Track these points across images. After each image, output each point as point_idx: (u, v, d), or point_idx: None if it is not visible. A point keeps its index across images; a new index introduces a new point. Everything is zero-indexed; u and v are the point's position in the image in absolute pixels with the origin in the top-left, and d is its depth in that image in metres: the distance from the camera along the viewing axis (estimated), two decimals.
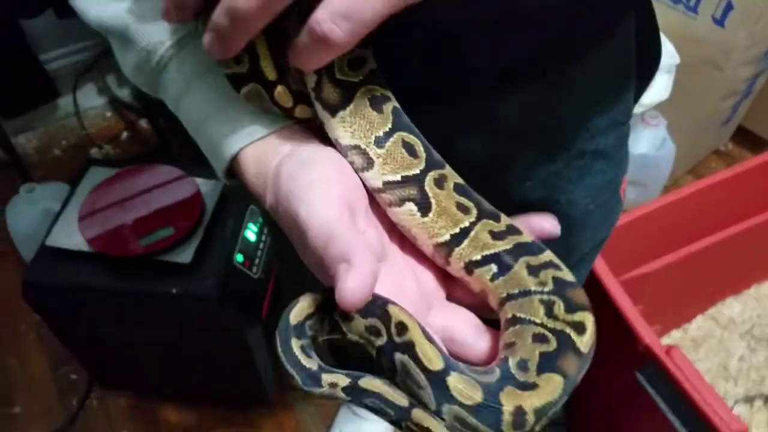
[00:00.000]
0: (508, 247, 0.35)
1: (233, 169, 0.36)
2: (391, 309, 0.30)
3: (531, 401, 0.30)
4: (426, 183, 0.34)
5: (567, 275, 0.35)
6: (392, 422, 0.31)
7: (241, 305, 1.01)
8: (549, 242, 0.61)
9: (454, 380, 0.29)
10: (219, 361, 1.13)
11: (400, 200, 0.34)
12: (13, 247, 1.45)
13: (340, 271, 0.28)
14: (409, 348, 0.29)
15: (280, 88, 0.33)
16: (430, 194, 0.34)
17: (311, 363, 0.31)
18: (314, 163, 0.32)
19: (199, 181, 1.06)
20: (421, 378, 0.29)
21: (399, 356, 0.30)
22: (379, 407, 0.31)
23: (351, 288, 0.27)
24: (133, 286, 0.98)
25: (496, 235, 0.35)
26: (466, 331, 0.35)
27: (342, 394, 0.31)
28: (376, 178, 0.34)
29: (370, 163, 0.33)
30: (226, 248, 1.01)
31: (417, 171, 0.34)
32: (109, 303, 1.00)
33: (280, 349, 0.31)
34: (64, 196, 1.34)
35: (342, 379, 0.31)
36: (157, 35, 0.35)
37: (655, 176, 1.41)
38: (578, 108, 0.50)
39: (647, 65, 0.57)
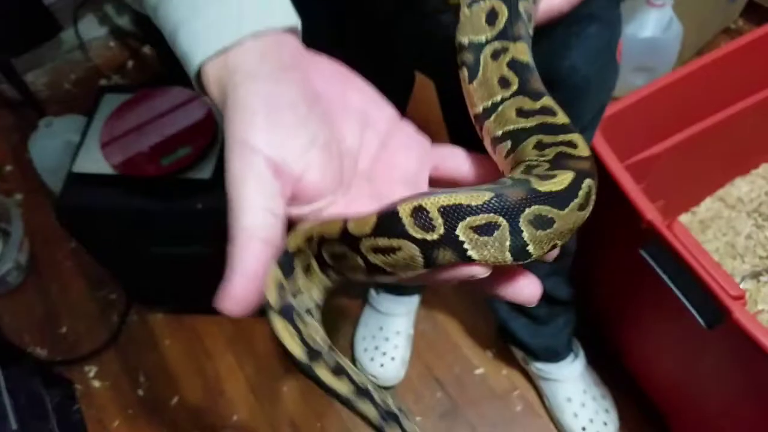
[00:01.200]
0: (529, 125, 0.32)
1: (203, 86, 0.33)
2: None
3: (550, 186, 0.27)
4: (483, 51, 0.33)
5: (576, 152, 0.31)
6: None
7: None
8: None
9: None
10: None
11: (460, 63, 0.35)
12: (41, 183, 1.50)
13: (225, 275, 0.29)
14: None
15: None
16: (482, 63, 0.33)
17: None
18: (245, 110, 0.30)
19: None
20: None
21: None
22: None
23: (228, 300, 0.29)
24: (159, 205, 1.02)
25: (523, 113, 0.33)
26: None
27: None
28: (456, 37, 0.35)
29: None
30: None
31: (483, 38, 0.34)
32: (138, 222, 1.05)
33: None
34: (82, 127, 1.38)
35: None
36: None
37: (663, 59, 1.40)
38: None
39: None
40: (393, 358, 1.22)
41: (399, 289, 1.24)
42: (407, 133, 0.35)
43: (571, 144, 0.30)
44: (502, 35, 0.33)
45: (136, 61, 1.79)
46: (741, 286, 1.19)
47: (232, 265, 0.29)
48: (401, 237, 0.26)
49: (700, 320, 0.80)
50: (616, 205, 0.88)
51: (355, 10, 0.60)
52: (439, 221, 0.25)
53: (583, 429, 1.11)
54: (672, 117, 1.03)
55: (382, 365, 1.22)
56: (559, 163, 0.29)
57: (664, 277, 0.82)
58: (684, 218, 1.27)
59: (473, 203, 0.25)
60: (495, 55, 0.33)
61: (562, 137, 0.31)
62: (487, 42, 0.33)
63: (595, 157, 0.90)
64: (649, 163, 1.04)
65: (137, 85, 1.69)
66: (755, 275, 1.19)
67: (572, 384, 1.14)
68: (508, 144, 0.33)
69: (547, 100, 0.33)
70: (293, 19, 0.33)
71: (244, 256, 0.29)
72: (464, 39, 0.34)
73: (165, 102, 1.09)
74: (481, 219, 0.25)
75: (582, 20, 0.57)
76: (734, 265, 1.20)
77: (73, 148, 1.35)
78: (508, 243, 0.26)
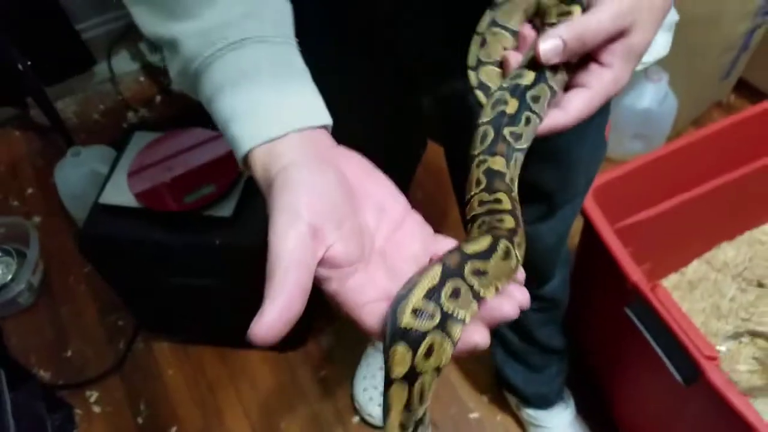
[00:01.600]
0: (481, 211, 0.41)
1: (248, 168, 0.40)
2: None
3: None
4: (473, 161, 0.44)
5: (503, 225, 0.39)
6: None
7: None
8: (546, 175, 0.73)
9: None
10: (256, 307, 1.25)
11: None
12: (61, 207, 1.58)
13: (262, 307, 0.34)
14: None
15: None
16: (470, 169, 0.44)
17: None
18: (292, 187, 0.36)
19: None
20: None
21: None
22: None
23: (260, 326, 0.34)
24: (179, 239, 1.10)
25: (481, 203, 0.41)
26: None
27: None
28: None
29: None
30: (262, 203, 1.12)
31: (475, 152, 0.44)
32: (158, 254, 1.12)
33: None
34: (108, 158, 1.47)
35: None
36: (196, 48, 0.41)
37: (659, 128, 1.49)
38: None
39: None
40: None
41: None
42: (415, 221, 0.41)
43: (502, 221, 0.39)
44: (486, 151, 0.43)
45: (164, 96, 1.89)
46: (723, 346, 1.25)
47: (268, 297, 0.34)
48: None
49: (677, 377, 0.86)
50: (605, 265, 0.94)
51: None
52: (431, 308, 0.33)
53: None
54: (662, 186, 1.11)
55: (380, 405, 1.27)
56: (485, 232, 0.37)
57: (646, 334, 0.89)
58: (673, 277, 1.34)
59: (433, 283, 0.33)
60: (478, 165, 0.43)
61: (498, 216, 0.39)
62: (476, 156, 0.43)
63: (587, 220, 0.98)
64: (638, 227, 1.11)
65: (163, 121, 1.80)
66: (737, 336, 1.25)
67: None
68: (470, 225, 0.41)
69: (500, 195, 0.41)
70: (327, 119, 0.41)
71: (280, 290, 0.34)
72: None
73: (191, 141, 1.17)
74: (447, 288, 0.33)
75: None
76: (718, 326, 1.26)
77: (98, 178, 1.43)
78: (470, 295, 0.34)
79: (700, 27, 1.36)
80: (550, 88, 0.44)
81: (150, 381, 1.39)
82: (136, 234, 1.10)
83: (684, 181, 1.14)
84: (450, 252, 0.35)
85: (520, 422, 1.27)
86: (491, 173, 0.42)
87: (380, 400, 1.29)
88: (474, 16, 0.51)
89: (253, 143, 0.38)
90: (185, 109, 1.80)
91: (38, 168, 1.79)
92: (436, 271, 0.33)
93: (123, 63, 1.94)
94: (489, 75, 0.48)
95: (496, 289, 0.36)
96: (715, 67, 1.49)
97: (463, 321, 0.33)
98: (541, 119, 0.44)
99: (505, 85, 0.44)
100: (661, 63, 1.38)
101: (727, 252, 1.35)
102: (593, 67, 0.43)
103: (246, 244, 1.08)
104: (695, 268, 1.34)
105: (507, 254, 0.36)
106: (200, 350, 1.41)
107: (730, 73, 1.55)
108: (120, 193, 1.12)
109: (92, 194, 1.42)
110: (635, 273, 0.89)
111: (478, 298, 0.34)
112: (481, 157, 0.43)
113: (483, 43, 0.49)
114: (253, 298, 1.24)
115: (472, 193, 0.42)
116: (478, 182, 0.42)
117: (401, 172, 0.87)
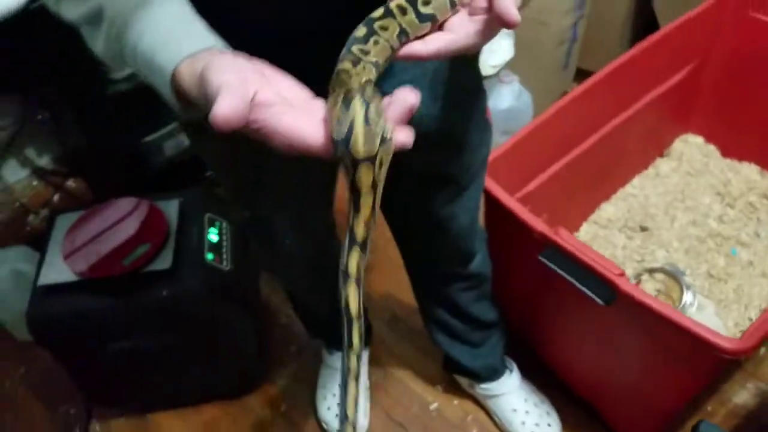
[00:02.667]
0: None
1: (177, 88, 0.48)
2: None
3: None
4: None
5: None
6: None
7: (220, 294, 1.19)
8: (448, 161, 0.87)
9: None
10: (211, 356, 1.30)
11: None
12: None
13: (216, 99, 0.41)
14: None
15: None
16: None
17: None
18: (218, 63, 0.44)
19: (158, 203, 1.23)
20: None
21: None
22: None
23: (221, 108, 0.40)
24: (126, 300, 1.14)
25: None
26: None
27: None
28: None
29: None
30: (197, 251, 1.19)
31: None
32: (109, 319, 1.15)
33: None
34: (25, 256, 1.47)
35: None
36: (118, 7, 0.51)
37: (521, 122, 1.71)
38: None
39: None
40: (355, 411, 1.34)
41: None
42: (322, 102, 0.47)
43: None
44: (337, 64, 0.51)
45: (61, 193, 1.90)
46: None
47: (219, 94, 0.41)
48: None
49: (598, 300, 1.00)
50: (512, 228, 1.09)
51: None
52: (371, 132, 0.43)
53: None
54: (540, 159, 1.29)
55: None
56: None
57: (561, 272, 1.03)
58: None
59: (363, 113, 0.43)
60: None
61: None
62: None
63: (487, 194, 1.12)
64: (528, 198, 1.28)
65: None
66: (637, 276, 1.43)
67: (514, 396, 1.31)
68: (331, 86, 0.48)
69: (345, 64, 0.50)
70: (219, 43, 0.50)
71: (226, 89, 0.41)
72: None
73: (116, 212, 1.22)
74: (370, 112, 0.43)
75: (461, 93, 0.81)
76: None
77: (19, 277, 1.43)
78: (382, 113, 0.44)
79: (533, 27, 1.61)
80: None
81: None
82: (82, 305, 1.13)
83: (559, 151, 1.33)
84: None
85: (475, 400, 1.37)
86: (338, 71, 0.49)
87: None
88: None
89: (177, 60, 0.47)
90: (87, 201, 1.84)
91: None
92: (357, 102, 0.42)
93: (13, 171, 1.93)
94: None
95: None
96: (555, 60, 1.75)
97: (390, 131, 0.43)
98: (392, 46, 0.52)
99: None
100: (510, 65, 1.61)
101: (608, 210, 1.56)
102: (462, 15, 0.51)
103: (191, 289, 1.13)
104: (586, 229, 1.54)
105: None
106: (159, 416, 1.42)
107: (568, 63, 1.81)
108: (58, 272, 1.14)
109: (17, 294, 1.42)
110: (539, 224, 1.05)
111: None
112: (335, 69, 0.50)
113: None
114: (204, 348, 1.31)
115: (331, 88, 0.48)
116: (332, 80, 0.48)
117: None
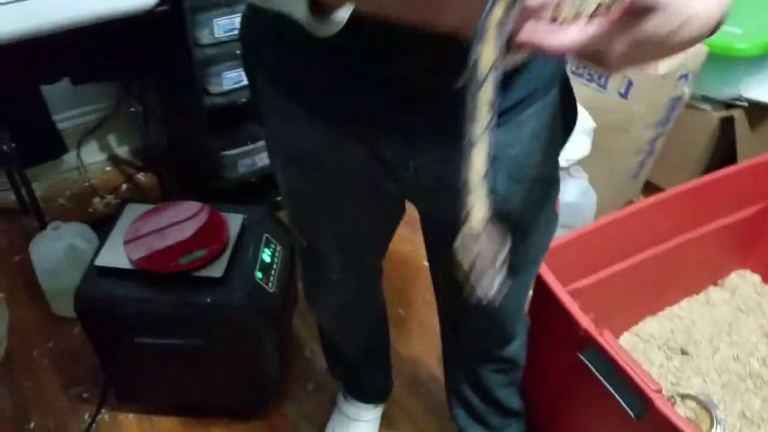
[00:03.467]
0: None
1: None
2: None
3: None
4: None
5: None
6: None
7: (261, 313, 1.22)
8: (511, 245, 0.89)
9: None
10: (231, 370, 1.31)
11: None
12: (25, 284, 1.60)
13: None
14: None
15: None
16: None
17: None
18: None
19: (225, 214, 1.28)
20: None
21: None
22: None
23: None
24: (171, 298, 1.17)
25: None
26: None
27: None
28: None
29: None
30: (249, 267, 1.23)
31: None
32: (150, 313, 1.18)
33: None
34: (84, 234, 1.54)
35: None
36: None
37: (581, 220, 1.72)
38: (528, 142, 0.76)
39: (569, 122, 0.85)
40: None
41: (366, 396, 1.38)
42: None
43: None
44: None
45: (130, 185, 1.98)
46: None
47: None
48: None
49: (629, 411, 0.99)
50: (557, 319, 1.09)
51: None
52: None
53: None
54: (594, 259, 1.30)
55: None
56: None
57: (598, 374, 1.03)
58: None
59: None
60: None
61: None
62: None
63: (539, 279, 1.13)
64: (577, 294, 1.28)
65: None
66: (669, 399, 1.40)
67: None
68: None
69: None
70: None
71: None
72: None
73: (183, 212, 1.27)
74: None
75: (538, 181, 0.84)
76: None
77: (75, 253, 1.49)
78: None
79: (614, 132, 1.64)
80: None
81: None
82: (130, 293, 1.17)
83: (616, 256, 1.34)
84: None
85: None
86: None
87: None
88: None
89: None
90: (152, 197, 1.92)
91: (1, 248, 1.81)
92: None
93: (91, 153, 2.03)
94: None
95: None
96: (627, 168, 1.77)
97: None
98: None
99: None
100: (582, 162, 1.64)
101: (652, 325, 1.54)
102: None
103: (235, 302, 1.16)
104: (626, 338, 1.52)
105: None
106: (164, 422, 1.43)
107: (639, 174, 1.83)
108: (114, 256, 1.19)
109: (68, 268, 1.48)
110: (585, 321, 1.05)
111: None
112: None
113: None
114: (228, 363, 1.34)
115: None
116: None
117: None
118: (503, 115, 0.69)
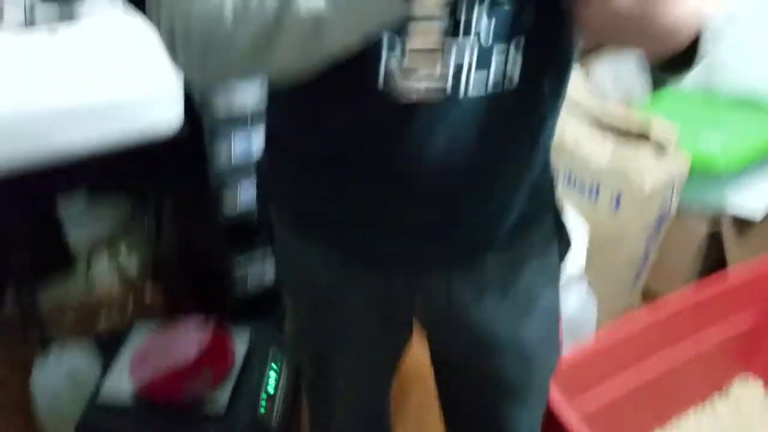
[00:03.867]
0: None
1: None
2: None
3: None
4: None
5: None
6: None
7: None
8: (517, 369, 0.89)
9: None
10: None
11: None
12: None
13: None
14: None
15: None
16: None
17: None
18: None
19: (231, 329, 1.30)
20: None
21: None
22: None
23: None
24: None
25: None
26: None
27: None
28: None
29: None
30: (253, 398, 1.23)
31: None
32: None
33: None
34: (88, 358, 1.52)
35: None
36: None
37: (584, 333, 1.73)
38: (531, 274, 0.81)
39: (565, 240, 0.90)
40: None
41: None
42: None
43: None
44: None
45: (136, 295, 2.01)
46: None
47: None
48: None
49: None
50: None
51: None
52: None
53: None
54: (598, 379, 1.31)
55: None
56: None
57: None
58: None
59: None
60: None
61: None
62: None
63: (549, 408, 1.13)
64: (587, 418, 1.28)
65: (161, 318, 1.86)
66: None
67: None
68: None
69: None
70: None
71: None
72: None
73: (188, 332, 1.28)
74: None
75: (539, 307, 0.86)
76: None
77: (78, 377, 1.47)
78: None
79: (607, 246, 1.68)
80: None
81: None
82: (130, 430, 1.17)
83: (620, 372, 1.36)
84: None
85: None
86: None
87: None
88: None
89: None
90: (157, 307, 1.92)
91: None
92: None
93: (100, 265, 2.07)
94: None
95: None
96: (623, 279, 1.80)
97: None
98: None
99: None
100: (579, 276, 1.67)
101: None
102: None
103: None
104: None
105: None
106: None
107: (636, 283, 1.86)
108: (117, 387, 1.20)
109: (69, 399, 1.43)
110: None
111: None
112: None
113: None
114: None
115: None
116: None
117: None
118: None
